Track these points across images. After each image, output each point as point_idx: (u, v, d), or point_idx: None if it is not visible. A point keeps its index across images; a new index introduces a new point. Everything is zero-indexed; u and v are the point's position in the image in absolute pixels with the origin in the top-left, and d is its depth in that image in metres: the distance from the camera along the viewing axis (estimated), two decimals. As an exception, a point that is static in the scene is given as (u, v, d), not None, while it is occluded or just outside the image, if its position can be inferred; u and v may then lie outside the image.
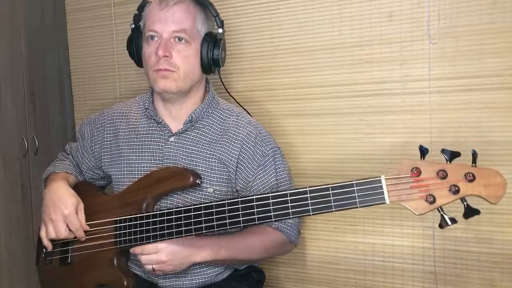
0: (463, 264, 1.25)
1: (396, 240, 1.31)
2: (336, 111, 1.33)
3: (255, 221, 0.91)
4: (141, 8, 1.14)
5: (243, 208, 0.92)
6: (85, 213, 1.09)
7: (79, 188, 1.17)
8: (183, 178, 1.05)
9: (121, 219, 1.05)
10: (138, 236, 1.01)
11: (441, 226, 0.77)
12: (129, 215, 1.04)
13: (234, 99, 1.35)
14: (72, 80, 1.72)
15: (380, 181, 0.80)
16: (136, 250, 1.01)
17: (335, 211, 0.84)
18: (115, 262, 1.07)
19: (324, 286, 1.40)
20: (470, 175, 0.74)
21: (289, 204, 0.87)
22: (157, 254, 0.98)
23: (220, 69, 1.18)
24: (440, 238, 1.26)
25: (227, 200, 0.94)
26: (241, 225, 0.93)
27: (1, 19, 1.53)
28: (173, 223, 0.98)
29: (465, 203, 0.76)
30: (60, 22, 1.71)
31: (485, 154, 1.15)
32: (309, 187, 0.87)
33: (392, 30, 1.26)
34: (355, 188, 0.83)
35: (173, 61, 1.06)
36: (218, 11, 1.15)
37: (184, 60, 1.07)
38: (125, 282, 1.05)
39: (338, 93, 1.33)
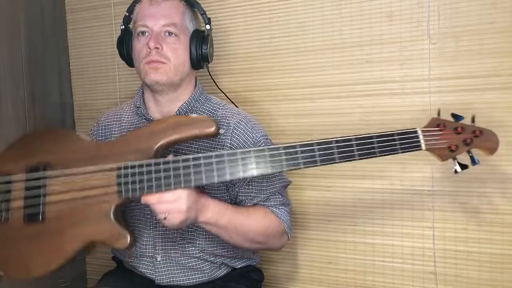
0: (463, 264, 1.25)
1: (396, 240, 1.31)
2: (336, 111, 1.33)
3: (301, 166, 0.90)
4: (130, 9, 1.17)
5: (287, 153, 0.90)
6: (66, 160, 0.97)
7: (55, 132, 1.04)
8: (206, 126, 0.93)
9: (127, 165, 0.92)
10: (154, 183, 0.90)
11: (456, 171, 0.94)
12: (137, 162, 0.92)
13: (224, 93, 1.36)
14: (72, 80, 1.72)
15: (416, 132, 0.93)
16: (151, 199, 0.91)
17: (379, 156, 0.91)
18: (111, 215, 0.91)
19: (324, 286, 1.40)
20: (478, 131, 0.93)
21: (335, 150, 0.90)
22: (177, 203, 0.90)
23: (209, 64, 1.20)
24: (440, 238, 1.26)
25: (252, 148, 0.92)
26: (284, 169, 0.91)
27: (1, 19, 1.53)
28: (181, 172, 0.90)
29: (470, 154, 0.95)
30: (60, 22, 1.71)
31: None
32: (354, 135, 0.91)
33: (392, 30, 1.26)
34: (396, 137, 0.92)
35: (164, 52, 1.08)
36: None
37: (174, 53, 1.10)
38: (128, 238, 0.91)
39: (338, 93, 1.33)
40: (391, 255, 1.32)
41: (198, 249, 1.11)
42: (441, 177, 1.25)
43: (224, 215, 1.00)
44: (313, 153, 0.90)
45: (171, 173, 0.90)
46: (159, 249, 1.11)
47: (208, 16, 1.18)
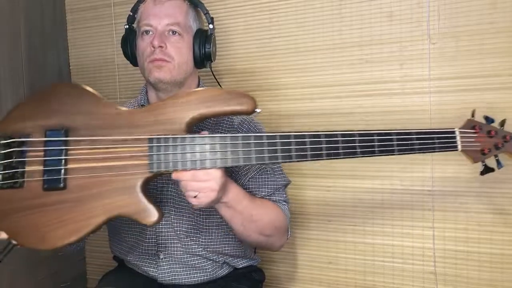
0: (463, 264, 1.25)
1: (396, 240, 1.31)
2: (336, 111, 1.33)
3: (340, 155, 0.89)
4: (134, 9, 1.18)
5: (326, 142, 0.89)
6: (90, 125, 0.90)
7: (69, 90, 0.93)
8: (244, 102, 0.87)
9: (160, 137, 0.86)
10: (189, 160, 0.86)
11: (482, 173, 0.97)
12: (171, 135, 0.87)
13: None
14: (72, 80, 1.72)
15: (454, 132, 0.94)
16: (185, 176, 0.86)
17: (417, 153, 0.93)
18: (139, 189, 0.86)
19: (324, 286, 1.41)
20: (509, 137, 0.95)
21: (375, 143, 0.90)
22: (210, 182, 0.87)
23: (212, 63, 1.20)
24: (440, 238, 1.26)
25: (307, 132, 0.89)
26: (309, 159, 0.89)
27: (1, 19, 1.53)
28: (218, 150, 0.86)
29: (496, 158, 0.96)
30: (60, 22, 1.71)
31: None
32: (395, 129, 0.91)
33: (392, 30, 1.26)
34: (434, 136, 0.93)
35: (168, 51, 1.09)
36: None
37: (178, 51, 1.10)
38: (157, 214, 0.86)
39: (338, 93, 1.33)
40: (391, 255, 1.32)
41: (201, 247, 1.11)
42: (441, 177, 1.25)
43: (243, 199, 1.00)
44: (353, 144, 0.89)
45: (207, 150, 0.86)
46: (162, 246, 1.12)
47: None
